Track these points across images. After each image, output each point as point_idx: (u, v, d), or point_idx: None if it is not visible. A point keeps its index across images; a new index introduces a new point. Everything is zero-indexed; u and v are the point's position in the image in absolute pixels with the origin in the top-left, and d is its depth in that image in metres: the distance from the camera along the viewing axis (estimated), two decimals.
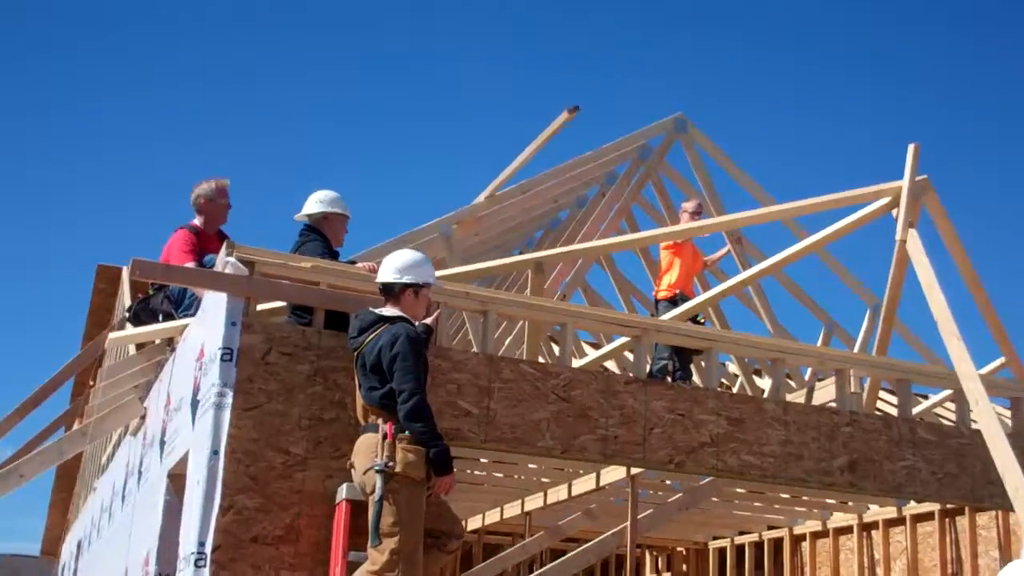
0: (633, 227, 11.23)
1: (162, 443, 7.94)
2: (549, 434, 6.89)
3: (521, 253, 13.19)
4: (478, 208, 10.01)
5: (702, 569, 15.50)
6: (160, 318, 8.62)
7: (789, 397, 8.73)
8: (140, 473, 8.98)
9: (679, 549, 15.90)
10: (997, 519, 10.63)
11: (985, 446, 7.56)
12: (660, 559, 16.28)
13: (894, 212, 8.89)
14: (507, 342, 10.33)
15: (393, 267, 6.37)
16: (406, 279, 6.31)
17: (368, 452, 5.92)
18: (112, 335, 8.30)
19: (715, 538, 15.08)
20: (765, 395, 10.35)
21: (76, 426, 10.89)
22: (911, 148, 8.86)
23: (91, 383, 17.63)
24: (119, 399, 9.42)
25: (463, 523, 6.76)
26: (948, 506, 10.85)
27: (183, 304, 8.29)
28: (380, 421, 5.97)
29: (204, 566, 5.97)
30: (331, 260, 7.37)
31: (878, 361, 8.23)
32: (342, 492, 6.13)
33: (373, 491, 5.79)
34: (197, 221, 8.59)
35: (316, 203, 7.64)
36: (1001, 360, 9.96)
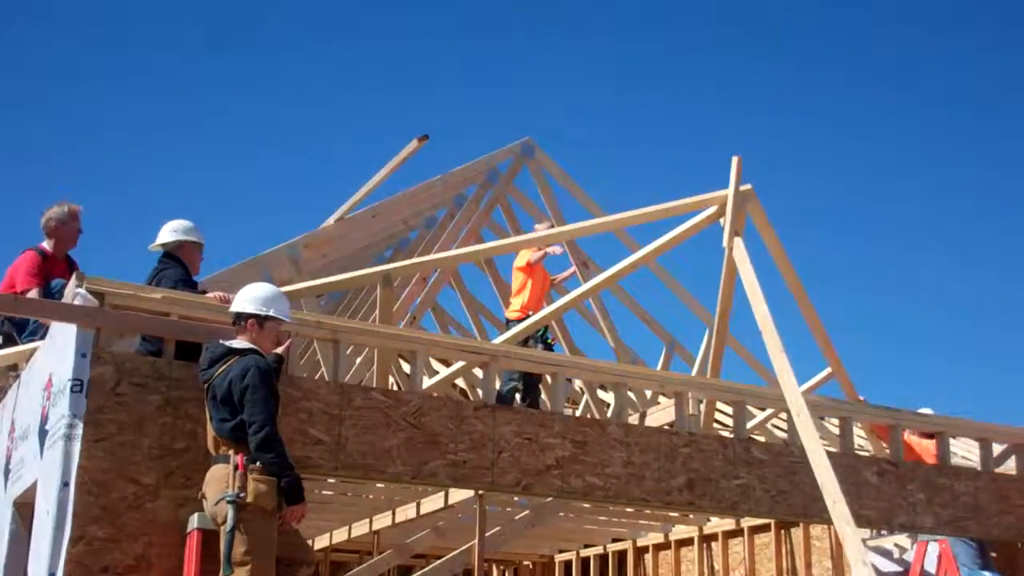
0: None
1: (6, 471, 7.81)
2: (400, 460, 7.05)
3: None
4: (327, 231, 10.08)
5: None
6: (1, 340, 8.50)
7: (633, 417, 9.05)
8: None
9: (525, 563, 16.22)
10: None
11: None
12: (507, 572, 16.56)
13: (721, 221, 9.19)
14: (357, 362, 10.45)
15: (247, 298, 6.45)
16: (259, 310, 6.40)
17: (219, 483, 5.99)
18: None
19: (561, 551, 15.43)
20: (608, 412, 10.75)
21: None
22: (735, 160, 9.15)
23: None
24: None
25: (311, 543, 6.85)
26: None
27: (27, 329, 8.19)
28: (231, 452, 6.04)
29: None
30: (188, 288, 7.39)
31: (714, 384, 8.60)
32: (193, 522, 6.18)
33: (225, 521, 5.86)
34: (46, 244, 8.50)
35: (170, 232, 7.64)
36: (827, 371, 10.46)
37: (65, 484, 6.14)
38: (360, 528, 12.65)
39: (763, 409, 10.88)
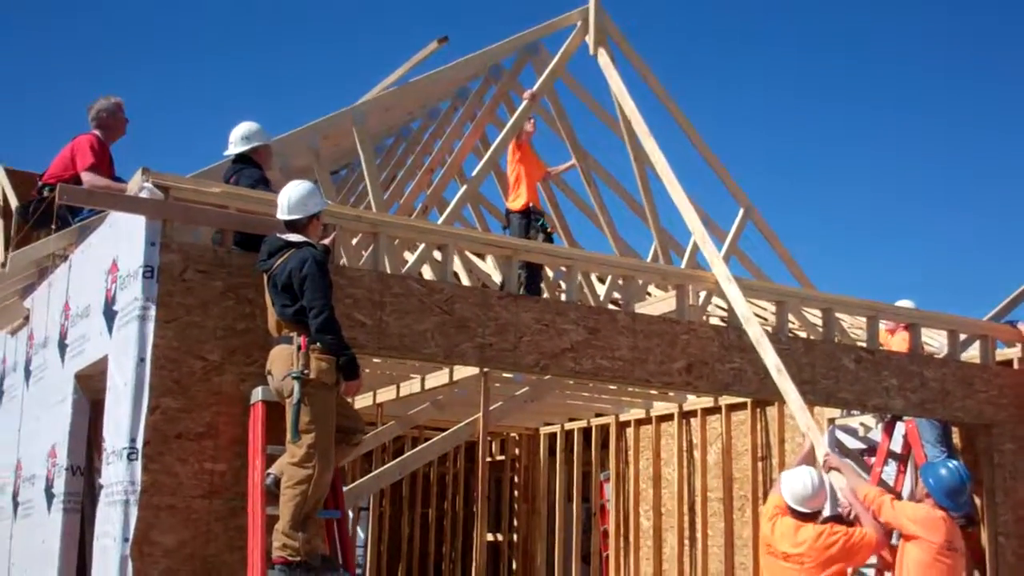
0: (487, 145, 11.92)
1: (62, 346, 8.50)
2: (434, 342, 7.80)
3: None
4: (343, 122, 10.54)
5: (533, 452, 16.81)
6: (55, 220, 9.09)
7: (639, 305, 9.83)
8: (28, 371, 9.49)
9: (512, 435, 17.16)
10: None
11: (802, 351, 8.88)
12: (494, 444, 17.50)
13: (586, 39, 10.92)
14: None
15: (290, 203, 7.06)
16: (307, 212, 7.03)
17: (284, 361, 6.71)
18: (12, 254, 8.71)
19: (546, 424, 16.35)
20: (600, 299, 11.53)
21: None
22: None
23: None
24: (2, 301, 9.86)
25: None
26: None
27: (80, 214, 8.76)
28: (294, 334, 6.75)
29: (136, 459, 6.71)
30: (265, 187, 7.98)
31: (713, 279, 9.32)
32: (257, 394, 6.93)
33: (291, 395, 6.59)
34: (98, 134, 9.03)
35: (242, 140, 8.13)
36: (741, 214, 11.51)
37: (141, 360, 6.84)
38: (364, 401, 13.41)
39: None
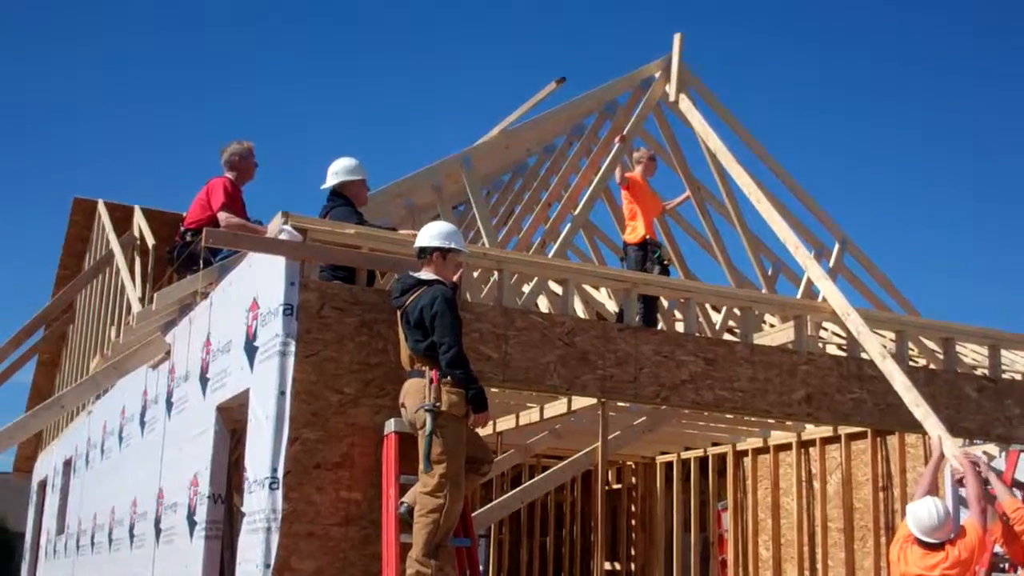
0: (602, 179, 12.16)
1: (204, 380, 8.94)
2: (556, 374, 8.05)
3: (489, 195, 14.25)
4: (454, 163, 10.90)
5: (650, 481, 16.90)
6: (200, 262, 9.60)
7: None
8: (170, 403, 9.97)
9: (628, 463, 17.28)
10: (924, 438, 12.01)
11: (923, 380, 8.90)
12: (611, 472, 17.63)
13: (666, 88, 11.56)
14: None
15: (431, 234, 7.41)
16: (443, 244, 7.35)
17: (417, 394, 7.02)
18: (159, 292, 9.21)
19: (662, 453, 16.44)
20: (718, 328, 11.65)
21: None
22: (677, 36, 11.74)
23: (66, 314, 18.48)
24: (145, 336, 10.38)
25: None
26: None
27: (221, 253, 9.23)
28: (426, 368, 7.05)
29: (277, 488, 7.07)
30: (359, 222, 8.37)
31: (830, 308, 9.41)
32: (390, 426, 7.25)
33: (423, 426, 6.89)
34: (230, 176, 9.53)
35: (333, 174, 8.61)
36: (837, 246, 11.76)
37: (282, 393, 7.21)
38: (484, 430, 13.65)
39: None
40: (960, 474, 7.59)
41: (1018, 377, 10.91)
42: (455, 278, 7.55)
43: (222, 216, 9.25)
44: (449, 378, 6.97)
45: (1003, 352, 10.50)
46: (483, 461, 7.39)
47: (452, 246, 7.41)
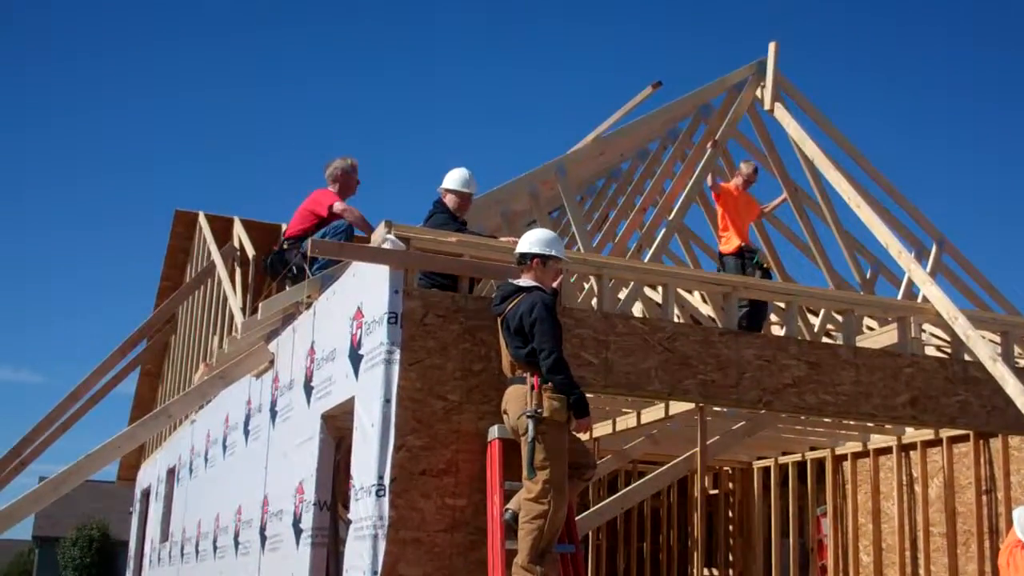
0: (698, 183, 12.12)
1: (308, 388, 9.10)
2: (657, 380, 8.06)
3: (583, 201, 14.30)
4: (550, 170, 10.95)
5: (747, 486, 16.79)
6: (293, 270, 9.80)
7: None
8: (274, 412, 10.15)
9: (725, 468, 17.17)
10: None
11: None
12: (707, 478, 17.53)
13: (758, 92, 11.62)
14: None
15: (532, 241, 7.46)
16: (544, 251, 7.40)
17: (519, 400, 7.07)
18: (264, 302, 9.41)
19: (759, 458, 16.31)
20: (815, 330, 11.55)
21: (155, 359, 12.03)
22: (772, 45, 11.82)
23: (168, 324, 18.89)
24: (249, 346, 10.58)
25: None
26: None
27: (318, 263, 9.40)
28: (527, 374, 7.10)
29: (384, 495, 7.17)
30: (457, 230, 8.48)
31: (934, 310, 9.28)
32: (493, 432, 7.31)
33: (526, 433, 6.94)
34: (332, 189, 9.73)
35: (447, 181, 8.82)
36: (935, 247, 11.72)
37: (387, 401, 7.31)
38: (582, 436, 13.70)
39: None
40: None
41: None
42: (555, 284, 7.60)
43: (339, 206, 9.49)
44: (550, 384, 7.01)
45: None
46: (586, 466, 7.42)
47: (552, 253, 7.46)
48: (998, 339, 9.86)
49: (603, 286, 8.20)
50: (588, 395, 7.33)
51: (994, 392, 8.79)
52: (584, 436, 13.57)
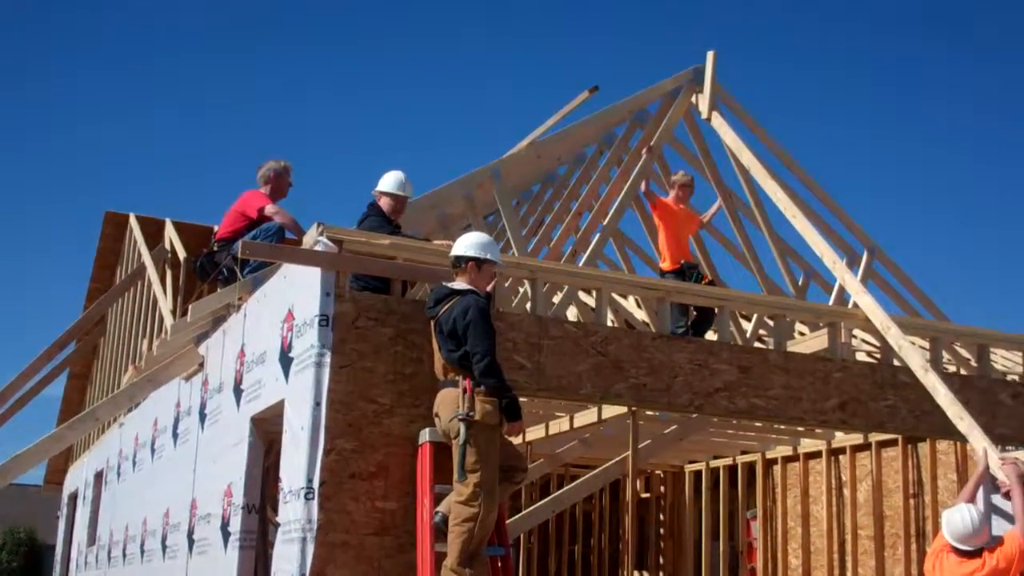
0: (633, 188, 12.14)
1: (238, 391, 8.99)
2: (590, 383, 8.06)
3: (519, 205, 14.28)
4: (485, 174, 10.92)
5: (679, 490, 16.88)
6: (224, 272, 9.68)
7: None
8: (203, 415, 10.02)
9: (657, 472, 17.25)
10: (955, 445, 11.97)
11: (957, 387, 8.86)
12: (639, 481, 17.60)
13: (694, 99, 11.69)
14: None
15: (465, 244, 7.43)
16: (479, 255, 7.37)
17: (451, 404, 7.04)
18: (193, 304, 9.28)
19: (691, 462, 16.41)
20: (747, 336, 11.63)
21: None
22: (710, 54, 11.88)
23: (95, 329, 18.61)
24: (179, 348, 10.44)
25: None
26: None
27: (249, 265, 9.29)
28: (459, 378, 7.07)
29: (313, 499, 7.10)
30: (391, 233, 8.42)
31: (863, 315, 9.38)
32: (424, 435, 7.27)
33: (458, 436, 6.91)
34: (264, 191, 9.62)
35: (382, 183, 8.74)
36: (866, 254, 11.87)
37: (317, 404, 7.24)
38: (514, 439, 13.67)
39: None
40: (1007, 487, 7.55)
41: None
42: (488, 288, 7.58)
43: (270, 209, 9.37)
44: (483, 387, 6.99)
45: None
46: (517, 470, 7.40)
47: (487, 256, 7.43)
48: (927, 345, 9.99)
49: (537, 290, 8.20)
50: (521, 399, 7.33)
51: (922, 397, 8.90)
52: (516, 440, 13.61)
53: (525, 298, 9.86)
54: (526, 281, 8.42)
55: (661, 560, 16.90)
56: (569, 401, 9.99)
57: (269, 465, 8.57)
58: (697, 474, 16.30)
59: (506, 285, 10.78)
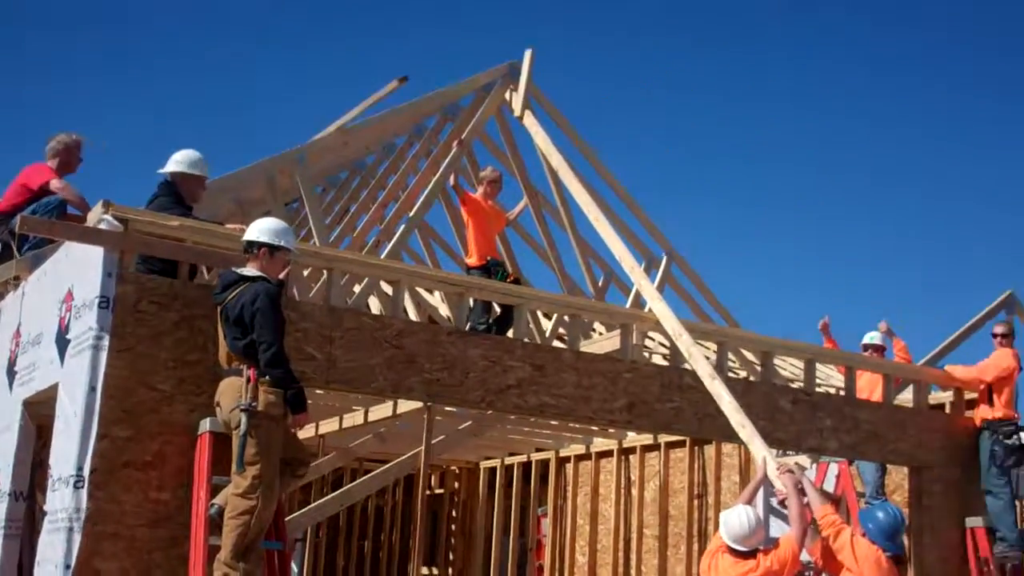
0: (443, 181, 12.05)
1: (11, 373, 8.53)
2: (382, 377, 7.94)
3: (325, 191, 14.06)
4: (290, 158, 10.68)
5: (473, 486, 16.94)
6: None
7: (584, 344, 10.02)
8: None
9: (452, 468, 17.27)
10: (739, 448, 12.35)
11: (740, 392, 9.11)
12: (434, 477, 17.60)
13: (507, 96, 11.70)
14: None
15: (259, 229, 7.20)
16: (272, 241, 7.15)
17: (234, 393, 6.80)
18: None
19: (486, 458, 16.49)
20: (547, 334, 11.74)
21: None
22: (527, 52, 11.86)
23: None
24: None
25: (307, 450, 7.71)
26: None
27: (29, 241, 8.82)
28: (243, 367, 6.85)
29: (82, 487, 6.76)
30: (182, 214, 8.07)
31: (655, 319, 9.54)
32: (205, 425, 7.01)
33: (238, 426, 6.68)
34: (51, 164, 9.12)
35: (174, 163, 8.30)
36: (665, 258, 12.32)
37: (92, 389, 6.90)
38: (307, 432, 13.44)
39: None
40: (783, 495, 7.77)
41: (831, 391, 11.27)
42: (281, 276, 7.36)
43: (56, 184, 8.88)
44: (268, 377, 6.79)
45: (818, 367, 10.83)
46: (300, 463, 7.21)
47: (281, 243, 7.23)
48: (715, 347, 10.24)
49: (333, 280, 8.02)
50: (317, 391, 7.13)
51: (707, 400, 9.07)
52: (309, 432, 13.38)
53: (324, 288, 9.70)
54: (324, 271, 8.21)
55: (451, 556, 16.92)
56: (361, 394, 9.84)
57: (39, 451, 8.15)
58: (492, 471, 16.40)
59: (305, 274, 10.58)
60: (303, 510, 11.53)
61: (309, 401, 10.72)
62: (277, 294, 7.04)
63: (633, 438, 14.03)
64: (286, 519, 10.45)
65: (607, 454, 14.63)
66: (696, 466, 13.28)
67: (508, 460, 16.05)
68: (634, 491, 14.07)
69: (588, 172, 11.88)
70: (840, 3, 38.63)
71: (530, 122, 11.52)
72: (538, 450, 15.60)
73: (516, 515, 15.73)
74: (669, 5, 41.60)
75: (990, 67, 37.33)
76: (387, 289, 10.93)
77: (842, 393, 10.46)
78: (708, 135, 40.48)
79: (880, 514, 7.84)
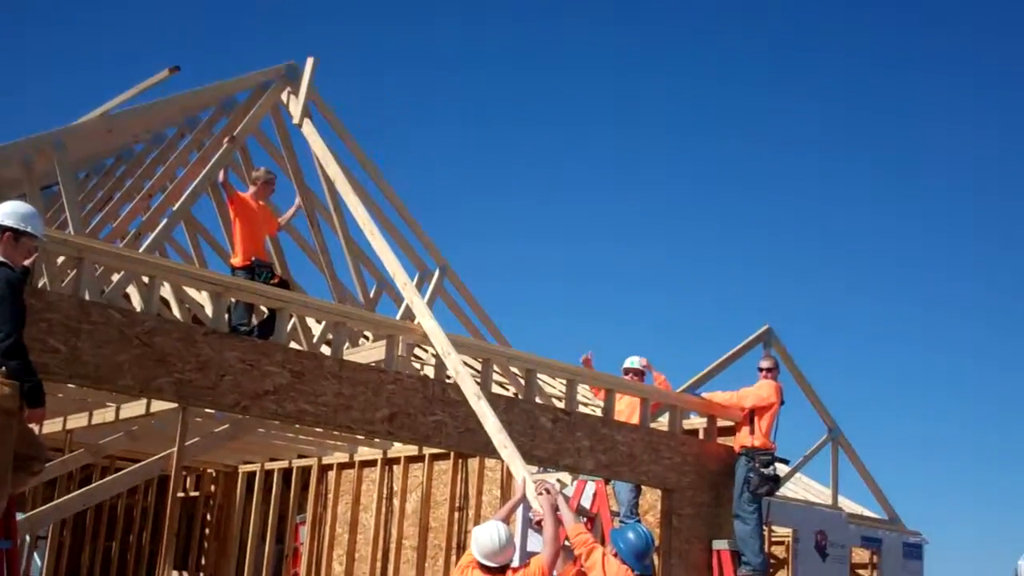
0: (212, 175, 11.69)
1: None
2: (130, 374, 7.58)
3: (88, 177, 13.43)
4: (48, 141, 10.16)
5: (230, 490, 16.48)
6: None
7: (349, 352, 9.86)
8: None
9: (209, 471, 16.78)
10: (502, 463, 12.37)
11: (502, 408, 9.13)
12: (189, 479, 17.07)
13: (283, 97, 11.60)
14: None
15: (4, 213, 6.75)
16: (18, 225, 6.71)
17: None
18: None
19: (246, 462, 16.07)
20: (314, 340, 11.52)
21: None
22: (310, 60, 11.72)
23: None
24: None
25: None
26: None
27: None
28: None
29: None
30: None
31: (422, 331, 9.45)
32: None
33: None
34: None
35: None
36: (437, 272, 12.31)
37: None
38: (53, 426, 12.78)
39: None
40: (540, 516, 7.79)
41: (590, 411, 11.47)
42: (26, 263, 6.93)
43: None
44: (3, 369, 6.38)
45: (579, 387, 10.98)
46: (35, 459, 6.75)
47: (27, 229, 6.79)
48: (480, 363, 10.25)
49: (83, 270, 7.63)
50: (68, 386, 6.72)
51: (469, 414, 9.07)
52: (50, 427, 12.72)
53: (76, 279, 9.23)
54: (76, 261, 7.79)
55: (203, 561, 16.43)
56: (107, 391, 9.39)
57: None
58: (251, 475, 15.99)
59: (58, 263, 10.07)
60: (45, 506, 11.00)
61: (60, 395, 10.28)
62: (19, 281, 6.61)
63: (398, 448, 13.93)
64: (27, 515, 10.00)
65: (371, 463, 14.48)
66: (459, 479, 13.28)
67: (269, 465, 15.69)
68: (396, 501, 13.97)
69: (365, 182, 11.77)
70: None
71: (308, 130, 11.30)
72: (300, 456, 15.31)
73: (274, 522, 15.37)
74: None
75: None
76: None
77: (600, 414, 10.63)
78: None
79: (631, 535, 7.97)
